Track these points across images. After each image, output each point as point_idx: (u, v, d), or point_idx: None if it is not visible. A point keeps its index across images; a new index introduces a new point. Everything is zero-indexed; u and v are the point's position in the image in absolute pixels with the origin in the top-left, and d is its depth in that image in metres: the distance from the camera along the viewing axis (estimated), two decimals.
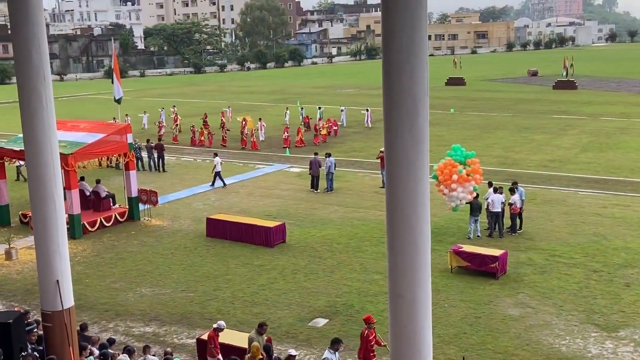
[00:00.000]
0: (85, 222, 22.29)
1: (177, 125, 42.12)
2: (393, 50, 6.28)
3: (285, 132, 38.31)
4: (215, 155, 29.26)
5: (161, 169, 32.36)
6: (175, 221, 23.48)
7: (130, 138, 23.67)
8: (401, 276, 6.68)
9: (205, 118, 44.74)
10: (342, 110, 45.87)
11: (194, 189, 28.30)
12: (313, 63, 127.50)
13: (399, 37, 6.23)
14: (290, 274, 17.92)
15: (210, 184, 28.44)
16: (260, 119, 41.38)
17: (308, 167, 28.14)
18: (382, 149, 30.33)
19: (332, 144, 37.98)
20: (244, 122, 39.21)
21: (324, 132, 39.15)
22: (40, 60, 10.85)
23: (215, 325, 12.44)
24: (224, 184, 28.36)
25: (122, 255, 20.04)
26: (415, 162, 6.72)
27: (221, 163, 28.82)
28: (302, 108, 47.71)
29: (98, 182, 24.47)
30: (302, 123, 42.84)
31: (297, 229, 21.95)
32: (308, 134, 39.93)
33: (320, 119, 42.49)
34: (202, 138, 38.98)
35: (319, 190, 27.28)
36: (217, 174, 28.46)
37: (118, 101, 27.40)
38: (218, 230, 21.29)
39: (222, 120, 42.62)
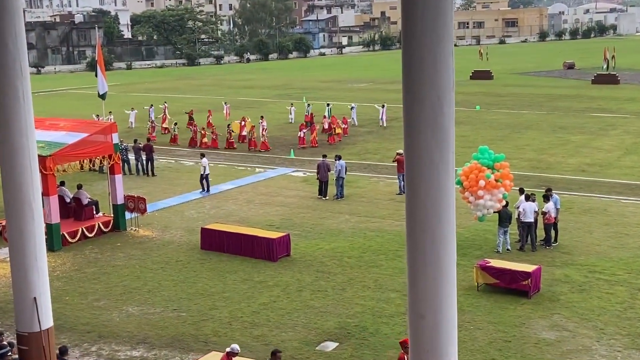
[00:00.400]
0: (65, 233, 22.39)
1: (164, 124, 42.39)
2: (414, 36, 6.29)
3: (301, 131, 38.28)
4: (202, 156, 29.33)
5: (150, 173, 32.49)
6: (165, 232, 23.56)
7: (115, 138, 23.78)
8: (423, 294, 6.66)
9: (191, 114, 44.99)
10: (352, 108, 45.91)
11: (187, 196, 28.39)
12: (321, 54, 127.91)
13: (421, 21, 6.23)
14: (295, 291, 17.93)
15: (202, 190, 28.50)
16: (261, 117, 41.44)
17: (315, 171, 28.20)
18: (400, 151, 30.56)
19: (342, 145, 38.14)
20: (242, 123, 39.45)
21: (339, 130, 39.21)
22: (17, 52, 10.91)
23: (228, 349, 12.43)
24: (207, 190, 28.48)
25: (106, 269, 20.10)
26: (438, 166, 6.72)
27: (206, 167, 28.76)
28: (308, 105, 47.82)
29: (80, 187, 24.59)
30: (306, 122, 42.96)
31: (303, 240, 21.98)
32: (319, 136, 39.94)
33: (325, 117, 42.54)
34: (205, 140, 38.85)
35: (327, 197, 27.34)
36: (204, 178, 28.48)
37: (102, 97, 27.56)
38: (214, 242, 21.33)
39: (208, 118, 42.91)
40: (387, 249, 21.02)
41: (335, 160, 27.66)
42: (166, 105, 49.07)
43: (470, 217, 21.75)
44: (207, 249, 21.37)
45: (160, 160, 35.67)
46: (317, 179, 27.64)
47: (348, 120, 43.06)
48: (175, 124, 41.84)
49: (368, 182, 29.89)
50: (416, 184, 6.76)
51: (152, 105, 49.29)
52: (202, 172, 28.54)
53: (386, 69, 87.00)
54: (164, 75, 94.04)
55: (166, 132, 42.84)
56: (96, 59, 27.45)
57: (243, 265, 20.03)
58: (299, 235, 22.45)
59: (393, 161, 28.99)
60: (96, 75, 27.16)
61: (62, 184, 24.67)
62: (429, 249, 6.68)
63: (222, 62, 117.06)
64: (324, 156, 28.56)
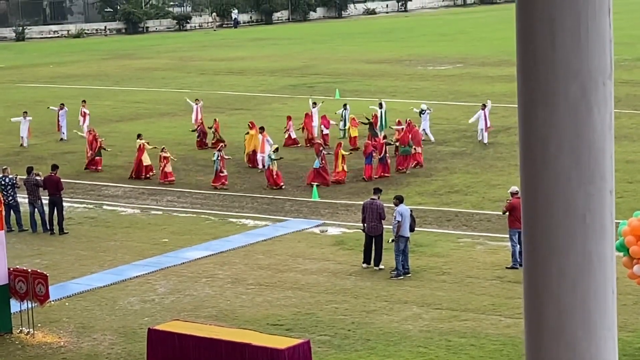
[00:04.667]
0: None
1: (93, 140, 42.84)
2: None
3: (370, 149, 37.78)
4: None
5: (56, 227, 32.34)
6: (84, 336, 23.25)
7: None
8: None
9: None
10: (423, 112, 45.17)
11: (124, 270, 28.18)
12: (367, 12, 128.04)
13: None
14: None
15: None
16: (262, 129, 41.08)
17: (361, 218, 28.01)
18: (515, 190, 29.92)
19: (405, 178, 37.76)
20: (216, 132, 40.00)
21: (413, 149, 38.96)
22: None
23: None
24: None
25: None
26: (585, 217, 6.11)
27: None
28: (345, 107, 47.23)
29: None
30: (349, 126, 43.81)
31: (335, 353, 21.72)
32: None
33: (378, 135, 42.36)
34: (167, 169, 39.25)
35: (382, 267, 27.13)
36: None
37: None
38: (172, 355, 20.88)
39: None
40: None
41: (395, 204, 27.30)
42: (85, 105, 49.00)
43: None
44: None
45: (74, 204, 35.28)
46: (364, 230, 27.58)
47: (420, 132, 42.69)
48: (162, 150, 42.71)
49: (455, 246, 29.44)
50: (541, 249, 6.14)
51: (62, 105, 49.19)
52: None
53: (487, 38, 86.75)
54: (84, 50, 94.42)
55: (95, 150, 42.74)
56: None
57: None
58: (328, 344, 22.13)
59: (503, 212, 28.34)
60: None
61: None
62: None
63: (186, 27, 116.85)
64: (376, 192, 28.40)
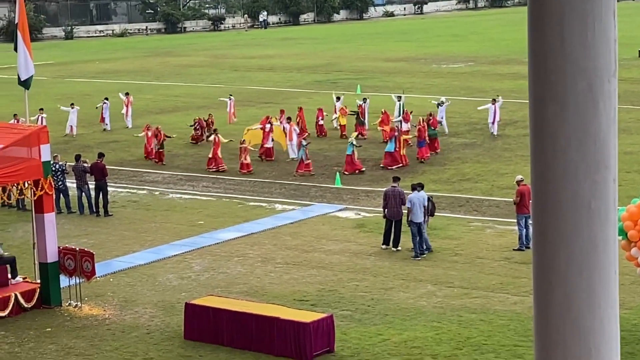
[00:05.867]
0: None
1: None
2: None
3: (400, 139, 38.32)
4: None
5: (101, 209, 32.84)
6: (126, 309, 23.59)
7: (46, 153, 23.95)
8: None
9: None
10: (440, 104, 45.68)
11: (163, 249, 28.57)
12: (387, 14, 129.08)
13: None
14: None
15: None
16: (289, 119, 41.53)
17: (382, 204, 28.26)
18: (520, 178, 30.08)
19: (421, 167, 38.27)
20: (266, 127, 39.93)
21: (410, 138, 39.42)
22: None
23: None
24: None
25: None
26: (589, 203, 6.39)
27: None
28: (364, 100, 47.75)
29: None
30: (357, 112, 44.88)
31: (355, 327, 21.89)
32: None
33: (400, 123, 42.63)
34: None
35: (400, 249, 27.40)
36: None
37: (25, 84, 27.75)
38: (206, 327, 21.30)
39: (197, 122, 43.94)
40: (497, 342, 20.76)
41: (414, 190, 27.44)
42: (129, 98, 49.62)
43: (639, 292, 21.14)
44: (195, 339, 21.32)
45: (117, 189, 35.89)
46: (384, 216, 27.85)
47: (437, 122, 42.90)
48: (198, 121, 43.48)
49: (466, 229, 29.81)
50: (550, 234, 6.43)
51: (106, 99, 49.88)
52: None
53: (497, 38, 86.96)
54: (127, 48, 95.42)
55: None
56: (16, 21, 27.75)
57: None
58: (350, 318, 22.37)
59: (513, 202, 28.31)
60: (15, 50, 27.39)
61: None
62: (574, 344, 6.35)
63: (220, 27, 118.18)
64: (395, 180, 28.69)
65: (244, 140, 39.15)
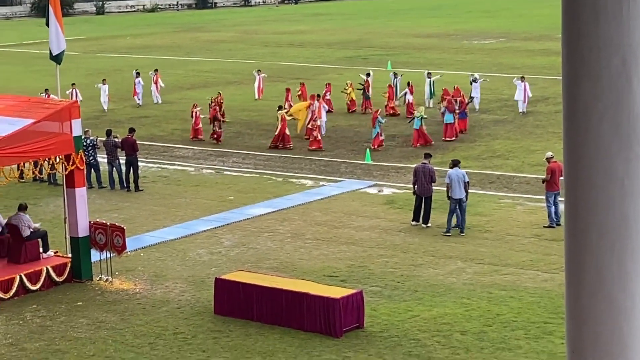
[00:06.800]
0: None
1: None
2: None
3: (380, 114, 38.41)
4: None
5: (132, 184, 32.93)
6: (157, 284, 23.63)
7: (77, 128, 23.89)
8: None
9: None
10: (474, 81, 45.44)
11: (193, 224, 28.60)
12: None
13: None
14: None
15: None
16: (318, 96, 41.44)
17: (412, 180, 28.19)
18: (550, 155, 29.57)
19: (451, 144, 38.17)
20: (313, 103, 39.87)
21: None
22: None
23: None
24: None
25: (59, 345, 20.13)
26: (623, 181, 6.40)
27: None
28: (395, 75, 47.70)
29: (21, 208, 24.83)
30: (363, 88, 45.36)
31: (385, 303, 21.83)
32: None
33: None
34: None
35: (430, 225, 27.37)
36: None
37: (57, 59, 27.84)
38: (236, 302, 21.30)
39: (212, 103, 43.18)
40: (527, 319, 20.65)
41: (451, 166, 27.36)
42: (157, 74, 49.65)
43: None
44: (225, 314, 21.31)
45: (148, 164, 36.01)
46: (414, 193, 27.79)
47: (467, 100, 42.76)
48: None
49: (497, 206, 29.67)
50: (582, 211, 6.44)
51: (138, 73, 49.99)
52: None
53: (528, 14, 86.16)
54: (158, 23, 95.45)
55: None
56: None
57: (284, 344, 19.85)
58: (379, 294, 22.29)
59: (543, 181, 28.30)
60: (47, 25, 27.47)
61: None
62: (605, 321, 6.37)
63: (251, 2, 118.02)
64: (427, 157, 28.57)
65: (316, 118, 39.07)
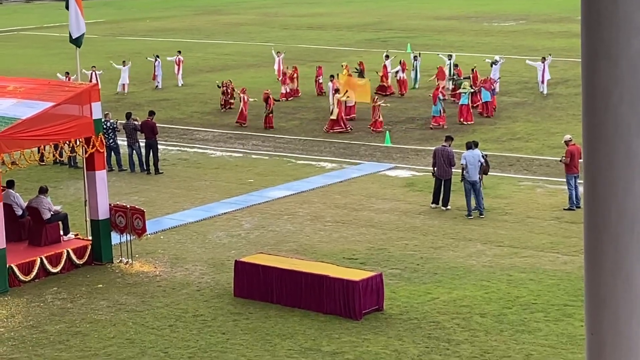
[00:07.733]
0: (13, 265, 22.68)
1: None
2: None
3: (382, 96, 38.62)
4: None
5: (152, 167, 33.11)
6: (177, 266, 23.80)
7: (97, 110, 24.01)
8: None
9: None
10: (494, 63, 45.28)
11: (213, 207, 28.78)
12: None
13: None
14: None
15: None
16: (331, 77, 41.47)
17: (432, 162, 28.23)
18: (569, 138, 29.68)
19: (471, 126, 38.25)
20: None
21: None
22: None
23: None
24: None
25: (79, 328, 20.29)
26: None
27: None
28: (415, 56, 47.63)
29: (41, 191, 24.98)
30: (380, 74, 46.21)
31: (405, 285, 21.94)
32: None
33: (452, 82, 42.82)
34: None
35: (449, 208, 27.44)
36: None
37: (77, 42, 27.90)
38: (256, 285, 21.45)
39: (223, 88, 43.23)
40: (547, 302, 20.73)
41: (469, 148, 27.44)
42: (180, 57, 49.78)
43: None
44: (245, 297, 21.46)
45: (168, 147, 36.11)
46: (433, 174, 27.89)
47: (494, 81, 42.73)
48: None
49: (517, 188, 29.75)
50: (601, 192, 6.43)
51: (157, 56, 50.15)
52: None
53: None
54: (177, 6, 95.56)
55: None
56: None
57: (303, 326, 19.96)
58: (399, 277, 22.40)
59: (560, 161, 28.27)
60: (67, 8, 27.53)
61: (10, 185, 25.07)
62: (625, 303, 6.36)
63: None
64: (448, 139, 28.65)
65: (377, 98, 39.46)
